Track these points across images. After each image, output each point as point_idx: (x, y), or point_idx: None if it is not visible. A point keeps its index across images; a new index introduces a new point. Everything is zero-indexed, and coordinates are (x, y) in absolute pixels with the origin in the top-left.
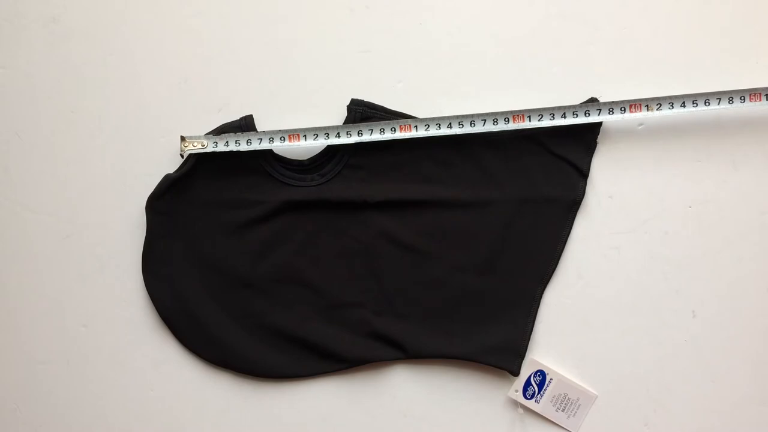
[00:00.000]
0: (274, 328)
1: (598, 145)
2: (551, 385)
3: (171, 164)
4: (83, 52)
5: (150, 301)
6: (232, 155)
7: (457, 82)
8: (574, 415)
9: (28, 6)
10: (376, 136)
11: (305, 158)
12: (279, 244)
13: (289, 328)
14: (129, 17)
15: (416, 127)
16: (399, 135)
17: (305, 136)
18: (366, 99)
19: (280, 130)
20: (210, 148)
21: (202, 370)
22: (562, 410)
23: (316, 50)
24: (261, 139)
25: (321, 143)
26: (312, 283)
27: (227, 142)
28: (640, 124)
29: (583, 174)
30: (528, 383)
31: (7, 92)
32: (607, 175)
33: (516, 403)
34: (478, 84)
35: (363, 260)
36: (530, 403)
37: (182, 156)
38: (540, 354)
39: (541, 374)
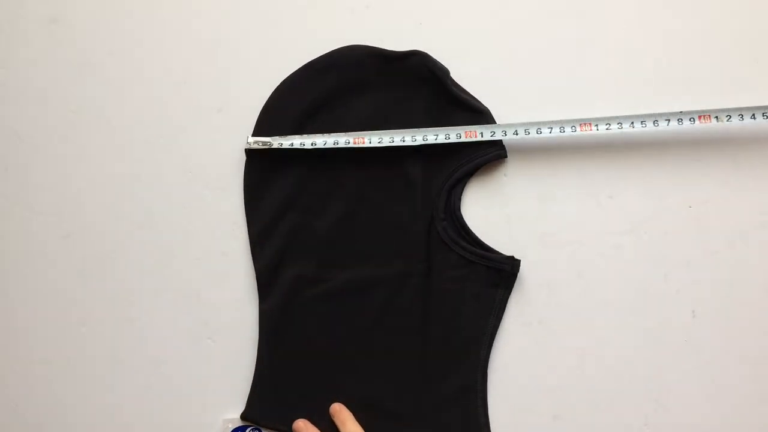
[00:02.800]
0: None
1: (600, 149)
2: None
3: (171, 164)
4: (83, 52)
5: (150, 301)
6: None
7: (457, 82)
8: None
9: (28, 6)
10: (441, 139)
11: (481, 238)
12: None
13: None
14: (129, 17)
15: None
16: (464, 139)
17: (370, 139)
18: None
19: (346, 133)
20: (275, 145)
21: (202, 370)
22: None
23: (315, 50)
24: (326, 141)
25: (386, 143)
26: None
27: (292, 143)
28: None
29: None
30: (243, 430)
31: (7, 92)
32: (606, 175)
33: None
34: (478, 84)
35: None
36: None
37: (247, 148)
38: (540, 352)
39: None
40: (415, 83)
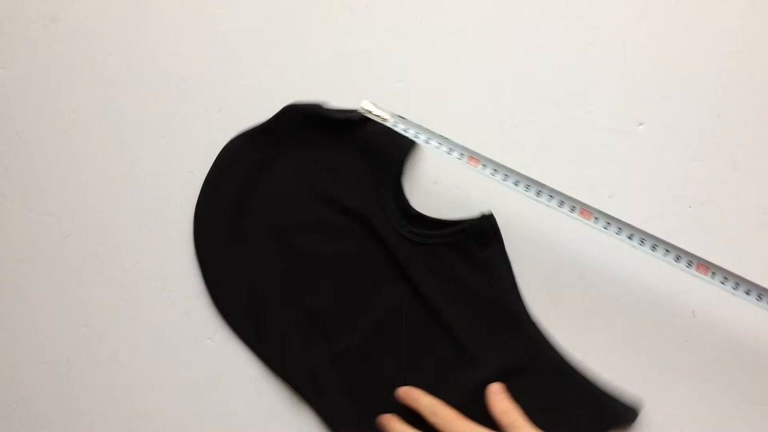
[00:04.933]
0: (259, 282)
1: (600, 148)
2: None
3: (171, 164)
4: (83, 52)
5: (150, 301)
6: (377, 146)
7: (457, 82)
8: None
9: (28, 6)
10: (553, 205)
11: (416, 209)
12: (329, 236)
13: (268, 293)
14: (129, 17)
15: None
16: (576, 217)
17: (484, 165)
18: (365, 99)
19: (465, 147)
20: (389, 123)
21: (202, 370)
22: None
23: (315, 50)
24: (441, 144)
25: (496, 179)
26: (317, 286)
27: (407, 129)
28: (641, 124)
29: None
30: None
31: (7, 92)
32: (606, 175)
33: None
34: (478, 84)
35: (364, 313)
36: None
37: (360, 109)
38: None
39: None
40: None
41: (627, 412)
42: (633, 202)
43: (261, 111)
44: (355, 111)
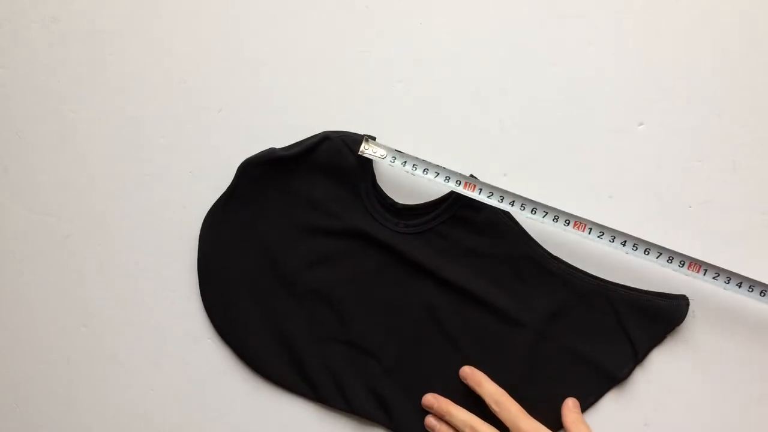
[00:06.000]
0: (288, 334)
1: (600, 148)
2: None
3: (170, 164)
4: (83, 52)
5: (150, 301)
6: (340, 163)
7: (457, 82)
8: None
9: (28, 6)
10: (547, 221)
11: (401, 202)
12: (335, 263)
13: (300, 341)
14: (129, 17)
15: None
16: (571, 230)
17: (481, 189)
18: (365, 99)
19: (459, 173)
20: (387, 161)
21: (202, 370)
22: None
23: (315, 50)
24: (438, 173)
25: (491, 203)
26: (344, 314)
27: (405, 162)
28: (640, 124)
29: (637, 358)
30: None
31: (7, 92)
32: (606, 175)
33: None
34: (478, 84)
35: (399, 318)
36: None
37: (360, 153)
38: None
39: None
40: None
41: (678, 306)
42: (633, 202)
43: (261, 111)
44: (309, 138)
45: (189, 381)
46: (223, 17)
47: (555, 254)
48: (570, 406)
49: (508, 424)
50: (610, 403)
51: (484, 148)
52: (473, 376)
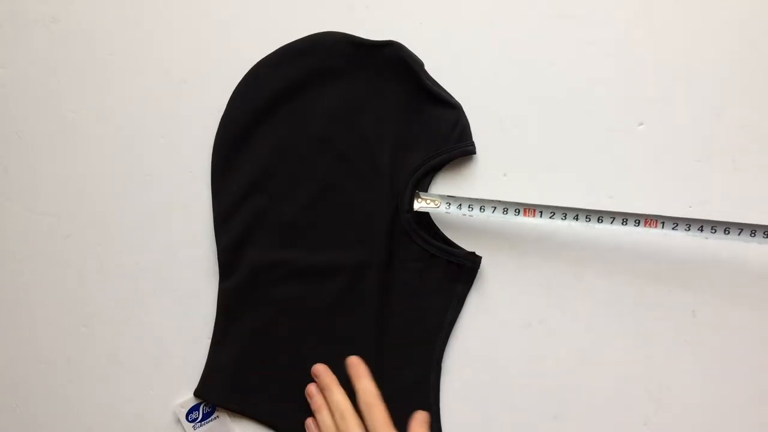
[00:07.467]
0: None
1: (600, 148)
2: (213, 422)
3: (170, 164)
4: (83, 52)
5: (150, 301)
6: None
7: (457, 82)
8: None
9: (28, 6)
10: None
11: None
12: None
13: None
14: (129, 17)
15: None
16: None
17: (541, 212)
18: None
19: (517, 203)
20: (443, 209)
21: (202, 369)
22: None
23: None
24: (495, 208)
25: (558, 224)
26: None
27: (460, 205)
28: (640, 124)
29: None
30: (196, 408)
31: (7, 92)
32: (606, 175)
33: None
34: (478, 84)
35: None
36: (188, 426)
37: (414, 211)
38: (540, 352)
39: (212, 407)
40: (388, 74)
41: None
42: (633, 202)
43: None
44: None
45: (189, 381)
46: (223, 17)
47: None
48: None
49: (370, 429)
50: (610, 403)
51: (484, 148)
52: (354, 367)
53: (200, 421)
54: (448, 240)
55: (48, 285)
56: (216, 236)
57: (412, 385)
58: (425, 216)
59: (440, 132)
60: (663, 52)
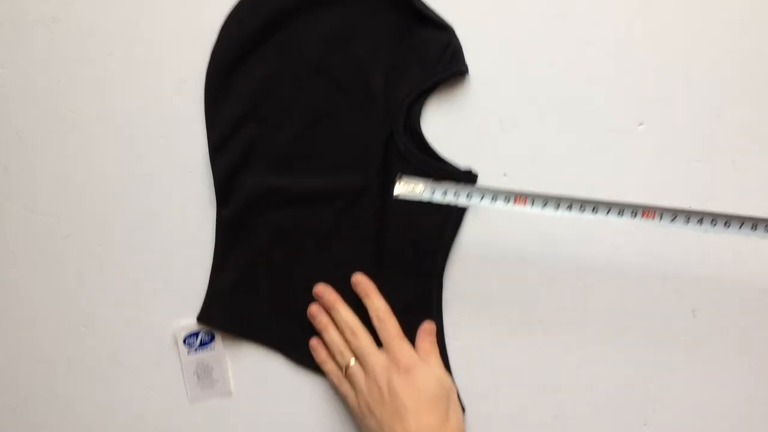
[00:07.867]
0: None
1: (600, 148)
2: (208, 352)
3: (170, 164)
4: (83, 52)
5: (150, 302)
6: None
7: (457, 82)
8: (208, 387)
9: (28, 6)
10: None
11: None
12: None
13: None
14: (129, 17)
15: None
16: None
17: (533, 200)
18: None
19: (505, 190)
20: (425, 196)
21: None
22: (198, 377)
23: None
24: (483, 196)
25: (549, 214)
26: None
27: (446, 191)
28: (640, 124)
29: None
30: (195, 334)
31: (7, 92)
32: (606, 175)
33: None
34: (478, 84)
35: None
36: (183, 349)
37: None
38: (540, 352)
39: (211, 336)
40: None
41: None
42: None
43: None
44: None
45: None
46: (223, 17)
47: None
48: (426, 330)
49: (383, 341)
50: (610, 403)
51: (484, 148)
52: (362, 285)
53: (196, 348)
54: (443, 159)
55: (48, 285)
56: (212, 165)
57: (414, 301)
58: (420, 137)
59: (432, 54)
60: (663, 52)
